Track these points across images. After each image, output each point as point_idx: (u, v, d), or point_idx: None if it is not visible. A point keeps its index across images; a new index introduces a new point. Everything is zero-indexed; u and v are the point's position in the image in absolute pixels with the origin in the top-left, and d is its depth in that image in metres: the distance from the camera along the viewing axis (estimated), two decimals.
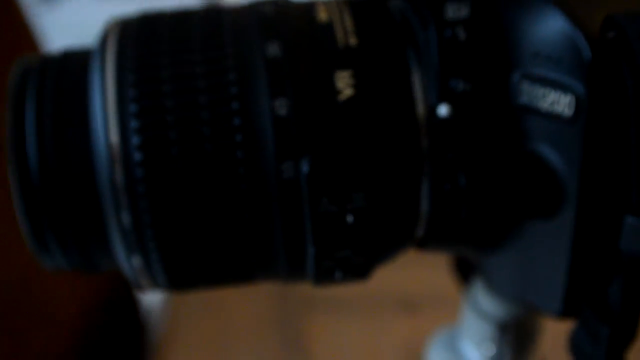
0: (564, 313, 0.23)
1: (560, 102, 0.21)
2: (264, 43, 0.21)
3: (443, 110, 0.21)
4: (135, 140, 0.21)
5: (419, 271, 0.63)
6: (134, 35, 0.22)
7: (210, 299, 0.63)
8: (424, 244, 0.24)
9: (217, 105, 0.21)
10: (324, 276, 0.23)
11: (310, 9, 0.23)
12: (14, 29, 0.56)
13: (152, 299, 0.71)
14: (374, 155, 0.22)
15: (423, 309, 0.61)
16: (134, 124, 0.21)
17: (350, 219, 0.21)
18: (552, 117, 0.21)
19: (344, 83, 0.21)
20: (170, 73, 0.21)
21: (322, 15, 0.22)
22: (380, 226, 0.22)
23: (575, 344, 0.23)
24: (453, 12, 0.22)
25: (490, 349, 0.28)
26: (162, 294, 0.65)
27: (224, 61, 0.21)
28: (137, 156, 0.21)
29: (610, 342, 0.21)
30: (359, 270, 0.23)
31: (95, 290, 0.63)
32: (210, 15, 0.23)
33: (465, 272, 0.30)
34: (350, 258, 0.22)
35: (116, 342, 0.67)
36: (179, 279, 0.23)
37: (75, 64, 0.22)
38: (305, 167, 0.21)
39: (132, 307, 0.74)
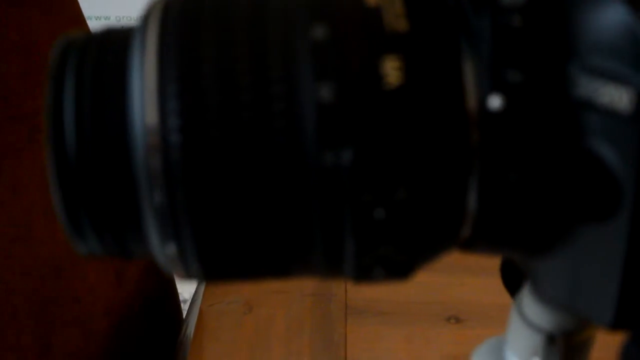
0: (615, 324, 0.22)
1: (619, 97, 0.19)
2: (310, 25, 0.21)
3: (495, 102, 0.20)
4: (173, 121, 0.20)
5: (465, 281, 0.62)
6: (176, 14, 0.21)
7: (247, 300, 0.62)
8: (470, 245, 0.23)
9: (259, 88, 0.20)
10: (363, 273, 0.22)
11: None
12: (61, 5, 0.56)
13: (188, 295, 0.71)
14: (420, 148, 0.21)
15: (468, 320, 0.59)
16: (173, 104, 0.20)
17: (393, 213, 0.21)
18: (610, 113, 0.20)
19: (391, 69, 0.20)
20: (213, 53, 0.21)
21: None
22: (424, 223, 0.21)
23: (627, 357, 0.21)
24: None
25: None
26: (198, 294, 0.65)
27: (268, 42, 0.21)
28: (175, 138, 0.20)
29: None
30: (401, 268, 0.22)
31: (131, 289, 0.63)
32: None
33: (514, 281, 0.29)
34: (391, 255, 0.21)
35: (150, 342, 0.67)
36: (212, 269, 0.22)
37: (116, 43, 0.22)
38: (347, 157, 0.20)
39: (168, 307, 0.74)
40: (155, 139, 0.20)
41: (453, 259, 0.64)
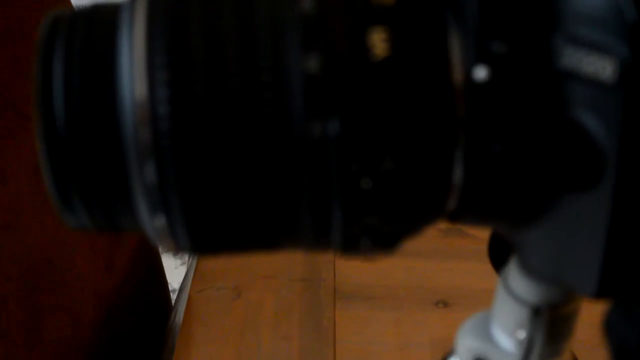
0: (599, 294, 0.22)
1: (603, 67, 0.20)
2: None
3: (481, 73, 0.21)
4: (162, 92, 0.20)
5: (453, 266, 0.62)
6: None
7: (236, 285, 0.63)
8: (456, 216, 0.23)
9: (247, 59, 0.20)
10: (350, 244, 0.22)
11: None
12: None
13: (177, 284, 0.71)
14: (406, 119, 0.21)
15: (456, 304, 0.60)
16: (161, 76, 0.20)
17: (379, 183, 0.21)
18: (594, 83, 0.20)
19: (378, 41, 0.21)
20: (201, 26, 0.21)
21: None
22: (411, 194, 0.22)
23: (610, 325, 0.21)
24: None
25: (522, 334, 0.27)
26: (187, 280, 0.65)
27: (256, 15, 0.21)
28: (164, 109, 0.20)
29: None
30: (387, 239, 0.22)
31: (120, 276, 0.64)
32: None
33: (500, 255, 0.29)
34: (378, 225, 0.22)
35: (139, 328, 0.67)
36: (201, 241, 0.22)
37: (104, 18, 0.22)
38: (334, 128, 0.20)
39: (157, 294, 0.74)
40: (144, 111, 0.20)
41: (441, 244, 0.64)
